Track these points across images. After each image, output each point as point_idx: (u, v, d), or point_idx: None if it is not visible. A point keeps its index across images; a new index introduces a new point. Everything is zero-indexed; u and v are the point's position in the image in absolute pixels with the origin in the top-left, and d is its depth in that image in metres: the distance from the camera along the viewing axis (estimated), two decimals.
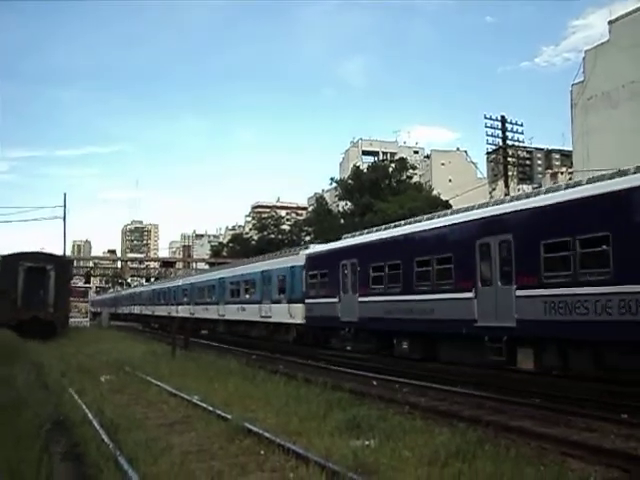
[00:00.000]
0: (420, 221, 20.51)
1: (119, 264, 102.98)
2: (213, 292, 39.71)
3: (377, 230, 23.04)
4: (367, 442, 8.89)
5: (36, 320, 35.04)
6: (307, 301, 25.92)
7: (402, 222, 22.12)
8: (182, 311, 45.71)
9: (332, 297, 23.60)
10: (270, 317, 29.67)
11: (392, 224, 22.74)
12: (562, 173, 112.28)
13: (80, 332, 44.78)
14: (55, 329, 36.01)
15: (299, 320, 26.44)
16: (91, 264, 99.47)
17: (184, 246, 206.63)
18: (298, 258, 27.49)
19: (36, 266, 38.32)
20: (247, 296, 33.62)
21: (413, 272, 18.83)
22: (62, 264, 42.40)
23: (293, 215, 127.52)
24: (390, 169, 71.84)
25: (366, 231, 24.42)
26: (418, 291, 18.53)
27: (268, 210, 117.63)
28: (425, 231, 19.18)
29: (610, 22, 42.34)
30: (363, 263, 21.87)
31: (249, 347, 29.52)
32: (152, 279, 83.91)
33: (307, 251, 27.70)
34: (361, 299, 21.78)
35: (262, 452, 8.51)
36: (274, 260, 31.28)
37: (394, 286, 19.85)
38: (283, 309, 27.98)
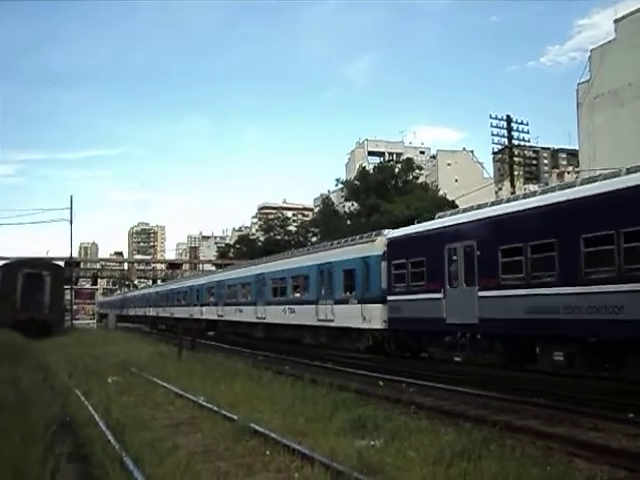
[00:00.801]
0: (573, 185, 15.58)
1: (126, 266, 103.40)
2: (249, 291, 33.99)
3: (494, 204, 18.52)
4: (372, 442, 8.89)
5: (32, 320, 38.07)
6: (391, 299, 20.73)
7: (537, 189, 16.65)
8: (208, 313, 40.33)
9: (433, 292, 18.64)
10: (332, 321, 24.12)
11: (528, 192, 18.07)
12: (569, 172, 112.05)
13: (87, 333, 44.83)
14: (50, 328, 39.06)
15: (377, 324, 21.16)
16: (98, 266, 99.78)
17: (191, 247, 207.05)
18: (374, 246, 22.17)
19: (33, 272, 42.80)
20: (297, 295, 27.97)
21: (580, 254, 13.68)
22: (57, 270, 47.16)
23: (299, 216, 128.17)
24: (396, 169, 71.78)
25: (476, 205, 19.25)
26: (591, 280, 13.42)
27: (274, 211, 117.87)
28: (601, 195, 13.68)
29: (616, 20, 42.27)
30: (486, 245, 16.71)
31: (254, 348, 29.55)
32: (159, 280, 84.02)
33: (389, 235, 22.09)
34: (484, 294, 16.62)
35: (268, 452, 8.52)
36: (337, 250, 25.45)
37: (544, 274, 14.78)
38: (352, 311, 22.58)
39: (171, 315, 49.52)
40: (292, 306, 27.91)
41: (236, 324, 35.83)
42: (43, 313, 40.82)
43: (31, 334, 32.73)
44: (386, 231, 23.21)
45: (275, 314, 29.65)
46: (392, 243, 21.50)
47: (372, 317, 21.47)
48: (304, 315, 26.43)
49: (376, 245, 22.17)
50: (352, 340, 23.52)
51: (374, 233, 23.95)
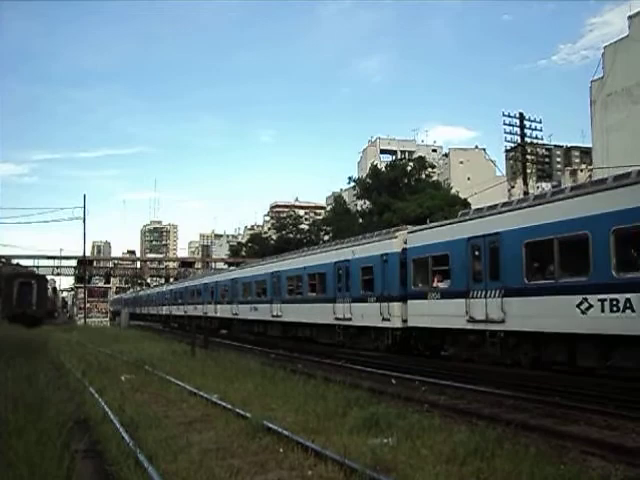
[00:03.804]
0: None
1: (138, 264, 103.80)
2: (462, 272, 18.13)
3: None
4: (385, 440, 8.89)
5: (25, 314, 51.00)
6: None
7: None
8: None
9: None
10: None
11: None
12: (582, 170, 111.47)
13: (100, 331, 45.24)
14: (38, 320, 52.39)
15: None
16: (111, 264, 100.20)
17: (203, 246, 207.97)
18: None
19: (25, 281, 58.53)
20: None
21: None
22: (41, 279, 63.30)
23: (311, 214, 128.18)
24: (408, 168, 71.69)
25: None
26: None
27: (287, 210, 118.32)
28: None
29: (630, 17, 41.96)
30: None
31: (267, 346, 29.56)
32: (171, 279, 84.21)
33: None
34: None
35: (281, 450, 8.53)
36: None
37: None
38: None
39: (276, 317, 32.00)
40: None
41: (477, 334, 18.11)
42: (32, 309, 55.38)
43: (24, 324, 42.34)
44: None
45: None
46: None
47: None
48: None
49: None
50: None
51: None
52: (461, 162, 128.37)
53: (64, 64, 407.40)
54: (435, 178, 78.70)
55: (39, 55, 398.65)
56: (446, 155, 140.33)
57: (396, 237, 22.14)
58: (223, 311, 40.89)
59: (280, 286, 31.01)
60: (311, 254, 29.00)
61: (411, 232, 21.65)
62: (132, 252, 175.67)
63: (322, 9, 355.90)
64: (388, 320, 21.60)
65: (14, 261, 77.10)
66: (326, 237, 76.91)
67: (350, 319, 24.02)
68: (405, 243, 21.40)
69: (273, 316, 31.48)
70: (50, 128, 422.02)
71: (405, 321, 21.07)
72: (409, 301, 20.74)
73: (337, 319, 24.62)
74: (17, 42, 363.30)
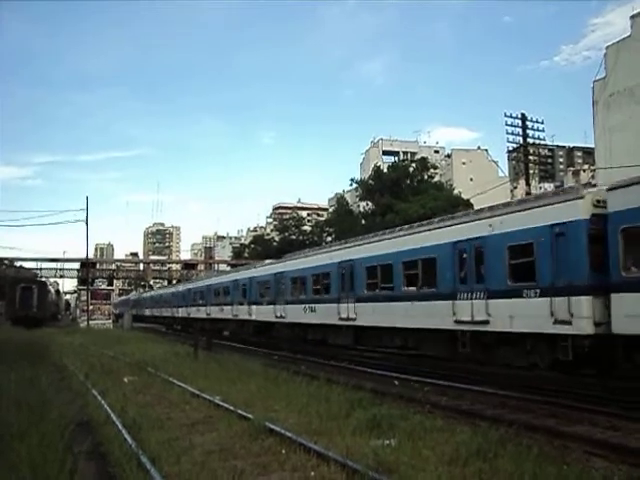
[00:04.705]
0: None
1: (141, 266, 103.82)
2: None
3: None
4: (388, 441, 8.89)
5: (26, 316, 55.23)
6: None
7: None
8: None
9: None
10: None
11: None
12: (584, 171, 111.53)
13: (103, 333, 45.31)
14: (38, 321, 56.39)
15: None
16: (114, 267, 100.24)
17: (206, 248, 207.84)
18: None
19: (27, 286, 63.55)
20: None
21: None
22: (42, 284, 68.21)
23: (314, 216, 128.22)
24: (411, 169, 71.56)
25: None
26: None
27: (289, 211, 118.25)
28: None
29: (632, 17, 41.81)
30: None
31: (270, 348, 29.55)
32: (174, 281, 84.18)
33: None
34: None
35: (283, 451, 8.54)
36: None
37: None
38: None
39: (346, 321, 24.36)
40: None
41: None
42: (33, 312, 59.56)
43: (25, 325, 46.05)
44: None
45: None
46: None
47: None
48: None
49: None
50: None
51: None
52: (463, 163, 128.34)
53: (65, 67, 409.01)
54: (437, 179, 78.50)
55: (40, 58, 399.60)
56: (448, 156, 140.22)
57: (582, 197, 14.47)
58: (261, 313, 33.93)
59: (353, 280, 24.05)
60: (407, 235, 21.69)
61: (616, 188, 13.83)
62: (135, 254, 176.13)
63: (324, 11, 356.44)
64: (567, 323, 14.17)
65: (17, 264, 77.57)
66: (329, 238, 76.86)
67: (486, 322, 16.64)
68: (598, 206, 14.11)
69: (341, 319, 24.62)
70: (51, 131, 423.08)
71: (600, 325, 13.62)
72: (614, 295, 13.17)
73: (459, 322, 17.66)
74: (18, 45, 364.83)
